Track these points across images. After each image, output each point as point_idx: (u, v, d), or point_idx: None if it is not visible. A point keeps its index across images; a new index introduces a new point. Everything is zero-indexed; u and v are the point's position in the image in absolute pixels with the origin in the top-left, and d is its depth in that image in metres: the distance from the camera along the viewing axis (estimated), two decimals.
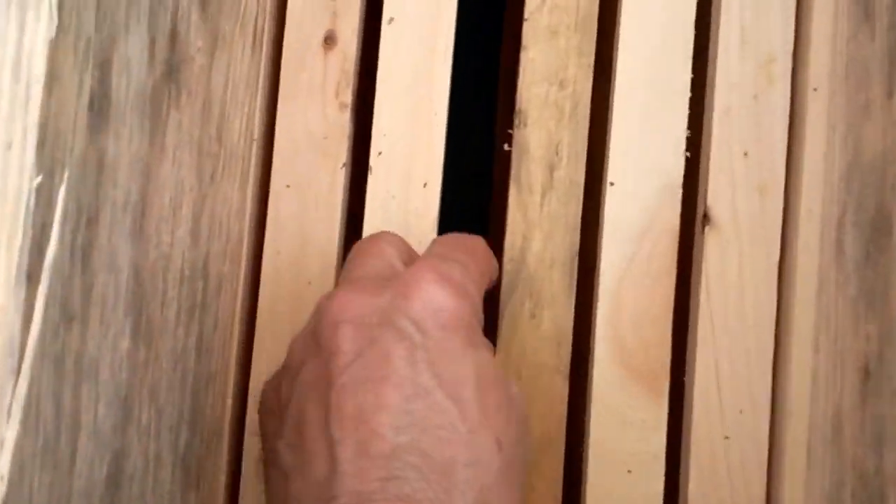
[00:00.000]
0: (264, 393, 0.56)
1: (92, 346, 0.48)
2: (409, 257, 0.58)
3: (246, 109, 0.63)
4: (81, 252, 0.47)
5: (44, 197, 0.47)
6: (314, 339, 0.52)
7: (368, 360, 0.49)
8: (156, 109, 0.53)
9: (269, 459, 0.53)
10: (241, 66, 0.62)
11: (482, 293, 0.57)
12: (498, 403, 0.51)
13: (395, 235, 0.59)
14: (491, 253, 0.60)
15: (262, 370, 0.62)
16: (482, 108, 0.96)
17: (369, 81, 0.65)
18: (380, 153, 0.64)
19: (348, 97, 0.65)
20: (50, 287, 0.47)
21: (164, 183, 0.54)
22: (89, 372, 0.49)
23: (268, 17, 0.64)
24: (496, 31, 0.96)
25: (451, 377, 0.50)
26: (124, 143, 0.50)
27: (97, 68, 0.47)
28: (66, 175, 0.46)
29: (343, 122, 0.65)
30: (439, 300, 0.51)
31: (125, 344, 0.51)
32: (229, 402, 0.63)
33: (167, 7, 0.54)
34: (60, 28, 0.47)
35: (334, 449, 0.47)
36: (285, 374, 0.53)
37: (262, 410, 0.55)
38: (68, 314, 0.47)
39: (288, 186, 0.64)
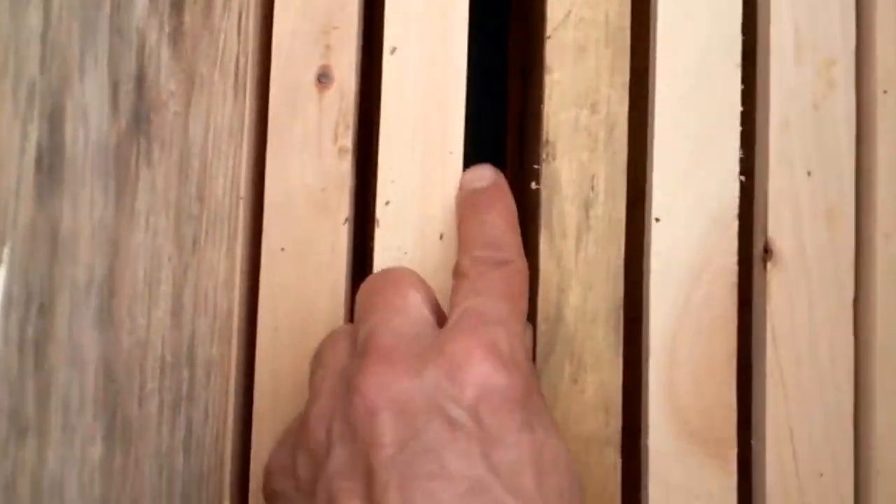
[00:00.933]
0: (270, 473, 0.49)
1: (53, 460, 0.37)
2: (431, 300, 0.51)
3: (230, 163, 0.54)
4: (34, 347, 0.36)
5: None
6: (345, 423, 0.45)
7: (415, 452, 0.43)
8: (122, 167, 0.42)
9: None
10: (224, 113, 0.53)
11: (527, 341, 0.52)
12: (559, 489, 0.45)
13: (412, 273, 0.52)
14: (527, 273, 0.53)
15: (262, 463, 0.53)
16: (495, 140, 0.89)
17: (371, 121, 0.57)
18: (387, 203, 0.55)
19: (349, 141, 0.56)
20: None
21: (136, 255, 0.43)
22: (51, 493, 0.37)
23: (250, 56, 0.56)
24: (498, 45, 0.89)
25: (509, 467, 0.44)
26: (84, 208, 0.39)
27: (45, 119, 0.37)
28: (5, 252, 0.36)
29: (343, 171, 0.56)
30: (491, 381, 0.45)
31: (96, 452, 0.41)
32: (227, 503, 0.54)
33: (131, 43, 0.43)
34: None
35: None
36: (304, 454, 0.46)
37: (271, 494, 0.49)
38: (20, 426, 0.36)
39: (283, 249, 0.56)
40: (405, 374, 0.45)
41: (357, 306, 0.51)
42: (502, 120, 0.91)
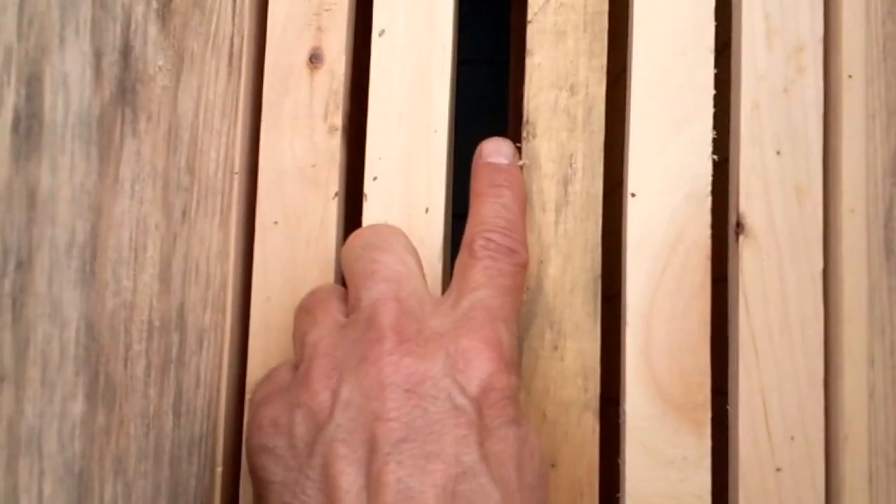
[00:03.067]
0: (259, 427, 0.47)
1: (31, 412, 0.36)
2: (420, 262, 0.52)
3: (224, 139, 0.53)
4: (11, 300, 0.35)
5: None
6: (354, 391, 0.45)
7: (419, 431, 0.44)
8: (106, 135, 0.41)
9: None
10: (216, 91, 0.52)
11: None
12: (532, 484, 0.47)
13: (402, 233, 0.53)
14: (527, 266, 0.53)
15: None
16: (492, 118, 0.89)
17: (361, 101, 0.57)
18: (375, 178, 0.55)
19: (339, 120, 0.55)
20: None
21: (120, 220, 0.41)
22: (28, 443, 0.36)
23: (245, 38, 0.56)
24: (502, 36, 0.89)
25: (497, 458, 0.45)
26: (64, 173, 0.38)
27: (23, 84, 0.36)
28: None
29: (333, 148, 0.55)
30: (494, 379, 0.46)
31: (77, 408, 0.40)
32: (219, 470, 0.53)
33: (115, 17, 0.42)
34: None
35: None
36: (304, 412, 0.46)
37: (259, 448, 0.47)
38: None
39: (275, 223, 0.55)
40: (418, 357, 0.46)
41: (352, 267, 0.50)
42: (504, 105, 0.91)
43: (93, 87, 0.41)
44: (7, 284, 0.35)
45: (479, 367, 0.46)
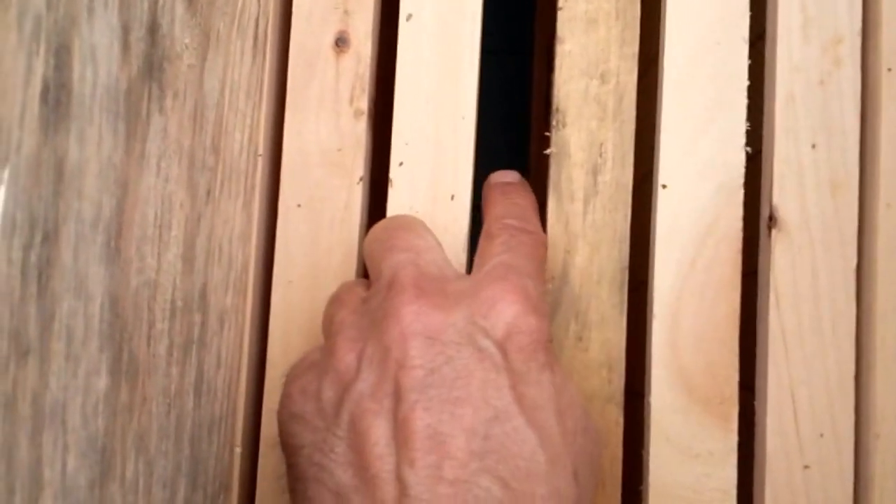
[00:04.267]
0: (289, 396, 0.48)
1: (55, 385, 0.37)
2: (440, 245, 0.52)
3: (248, 121, 0.54)
4: (37, 272, 0.36)
5: None
6: (377, 347, 0.45)
7: (445, 377, 0.44)
8: (133, 111, 0.41)
9: (311, 475, 0.45)
10: (241, 72, 0.53)
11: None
12: (575, 430, 0.46)
13: (420, 219, 0.54)
14: (547, 247, 0.54)
15: (274, 412, 0.52)
16: (515, 108, 0.90)
17: (387, 86, 0.58)
18: (401, 164, 0.55)
19: (364, 104, 0.55)
20: None
21: (146, 197, 0.41)
22: (52, 416, 0.37)
23: (270, 19, 0.56)
24: (523, 26, 0.90)
25: (531, 402, 0.45)
26: (91, 146, 0.39)
27: (52, 54, 0.37)
28: (5, 174, 0.35)
29: (359, 132, 0.55)
30: (520, 321, 0.46)
31: (101, 384, 0.40)
32: (238, 450, 0.53)
33: None
34: None
35: (403, 471, 0.42)
36: (331, 376, 0.46)
37: (289, 417, 0.48)
38: (22, 347, 0.35)
39: (299, 206, 0.55)
40: (440, 308, 0.46)
41: (372, 247, 0.51)
42: (526, 96, 0.92)
43: (120, 61, 0.41)
44: (33, 257, 0.36)
45: (504, 309, 0.46)
